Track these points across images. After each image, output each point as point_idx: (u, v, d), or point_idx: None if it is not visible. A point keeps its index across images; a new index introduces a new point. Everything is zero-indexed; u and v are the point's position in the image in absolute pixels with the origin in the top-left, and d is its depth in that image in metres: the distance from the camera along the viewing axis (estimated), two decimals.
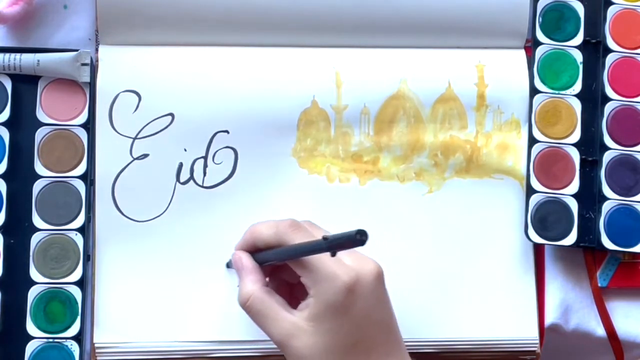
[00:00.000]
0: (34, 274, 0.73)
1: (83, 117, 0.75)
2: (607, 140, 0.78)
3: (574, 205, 0.77)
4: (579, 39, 0.79)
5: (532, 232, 0.77)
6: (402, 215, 0.77)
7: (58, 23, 0.76)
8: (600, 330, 0.78)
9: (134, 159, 0.75)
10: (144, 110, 0.75)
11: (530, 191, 0.77)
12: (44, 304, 0.73)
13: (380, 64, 0.77)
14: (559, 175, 0.78)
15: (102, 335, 0.73)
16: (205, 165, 0.75)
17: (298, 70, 0.77)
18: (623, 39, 0.79)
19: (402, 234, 0.76)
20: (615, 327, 0.77)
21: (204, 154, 0.75)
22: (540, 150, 0.78)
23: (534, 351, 0.76)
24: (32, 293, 0.73)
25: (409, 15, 0.77)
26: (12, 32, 0.76)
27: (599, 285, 0.77)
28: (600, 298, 0.78)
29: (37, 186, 0.74)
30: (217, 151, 0.75)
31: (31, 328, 0.72)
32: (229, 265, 0.73)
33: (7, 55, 0.74)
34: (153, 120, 0.75)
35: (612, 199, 0.77)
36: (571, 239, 0.77)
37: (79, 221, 0.74)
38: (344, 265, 0.65)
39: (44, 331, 0.72)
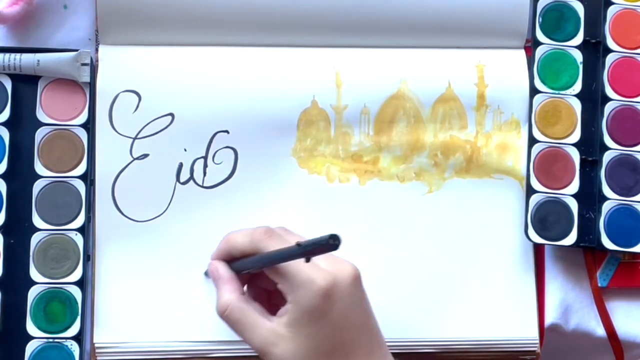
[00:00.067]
0: (34, 274, 0.73)
1: (83, 117, 0.75)
2: (607, 140, 0.78)
3: (574, 205, 0.77)
4: (579, 39, 0.79)
5: (532, 232, 0.77)
6: (402, 215, 0.77)
7: (58, 23, 0.76)
8: (600, 330, 0.78)
9: (134, 159, 0.75)
10: (144, 110, 0.75)
11: (530, 191, 0.77)
12: (44, 304, 0.73)
13: (380, 64, 0.77)
14: (559, 175, 0.78)
15: (102, 335, 0.73)
16: (205, 165, 0.75)
17: (298, 70, 0.77)
18: (623, 39, 0.79)
19: (402, 234, 0.76)
20: (615, 327, 0.77)
21: (204, 154, 0.75)
22: (540, 150, 0.78)
23: (534, 351, 0.76)
24: (32, 293, 0.73)
25: (409, 15, 0.77)
26: (12, 32, 0.76)
27: (599, 285, 0.77)
28: (600, 298, 0.78)
29: (37, 186, 0.74)
30: (217, 151, 0.75)
31: (31, 328, 0.72)
32: (207, 275, 0.73)
33: (7, 55, 0.74)
34: (153, 120, 0.75)
35: (612, 199, 0.77)
36: (571, 239, 0.77)
37: (79, 221, 0.74)
38: (320, 270, 0.64)
39: (44, 331, 0.73)
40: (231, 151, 0.76)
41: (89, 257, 0.74)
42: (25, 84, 0.75)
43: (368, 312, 0.67)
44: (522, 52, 0.79)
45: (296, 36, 0.77)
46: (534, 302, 0.77)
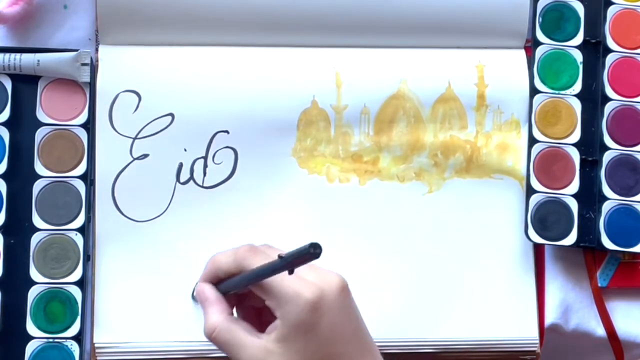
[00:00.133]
0: (34, 274, 0.73)
1: (83, 117, 0.75)
2: (607, 140, 0.78)
3: (574, 205, 0.77)
4: (579, 39, 0.79)
5: (532, 232, 0.77)
6: (402, 215, 0.77)
7: (58, 23, 0.76)
8: (600, 330, 0.78)
9: (134, 159, 0.75)
10: (144, 110, 0.75)
11: (530, 191, 0.77)
12: (44, 304, 0.73)
13: (380, 64, 0.77)
14: (559, 175, 0.78)
15: (102, 335, 0.73)
16: (205, 165, 0.75)
17: (298, 70, 0.77)
18: (623, 39, 0.79)
19: (402, 234, 0.76)
20: (615, 327, 0.77)
21: (204, 154, 0.75)
22: (540, 150, 0.78)
23: (534, 351, 0.76)
24: (32, 293, 0.73)
25: (409, 15, 0.77)
26: (12, 32, 0.76)
27: (599, 285, 0.77)
28: (600, 298, 0.78)
29: (37, 186, 0.74)
30: (217, 151, 0.75)
31: (31, 328, 0.72)
32: (194, 298, 0.73)
33: (7, 55, 0.74)
34: (153, 120, 0.75)
35: (612, 199, 0.77)
36: (571, 239, 0.77)
37: (79, 221, 0.74)
38: (306, 283, 0.64)
39: (44, 331, 0.72)
40: (231, 151, 0.76)
41: (89, 257, 0.74)
42: (25, 84, 0.75)
43: (358, 322, 0.66)
44: (522, 52, 0.79)
45: (296, 36, 0.77)
46: (534, 302, 0.77)
